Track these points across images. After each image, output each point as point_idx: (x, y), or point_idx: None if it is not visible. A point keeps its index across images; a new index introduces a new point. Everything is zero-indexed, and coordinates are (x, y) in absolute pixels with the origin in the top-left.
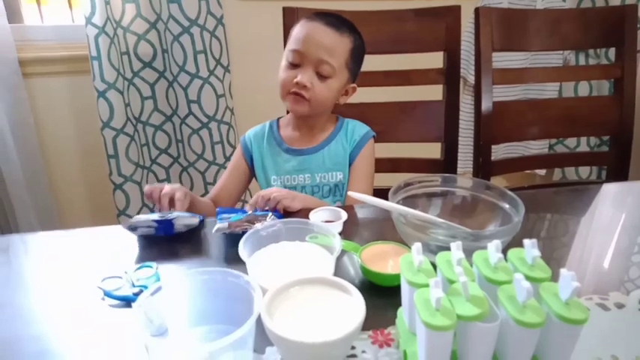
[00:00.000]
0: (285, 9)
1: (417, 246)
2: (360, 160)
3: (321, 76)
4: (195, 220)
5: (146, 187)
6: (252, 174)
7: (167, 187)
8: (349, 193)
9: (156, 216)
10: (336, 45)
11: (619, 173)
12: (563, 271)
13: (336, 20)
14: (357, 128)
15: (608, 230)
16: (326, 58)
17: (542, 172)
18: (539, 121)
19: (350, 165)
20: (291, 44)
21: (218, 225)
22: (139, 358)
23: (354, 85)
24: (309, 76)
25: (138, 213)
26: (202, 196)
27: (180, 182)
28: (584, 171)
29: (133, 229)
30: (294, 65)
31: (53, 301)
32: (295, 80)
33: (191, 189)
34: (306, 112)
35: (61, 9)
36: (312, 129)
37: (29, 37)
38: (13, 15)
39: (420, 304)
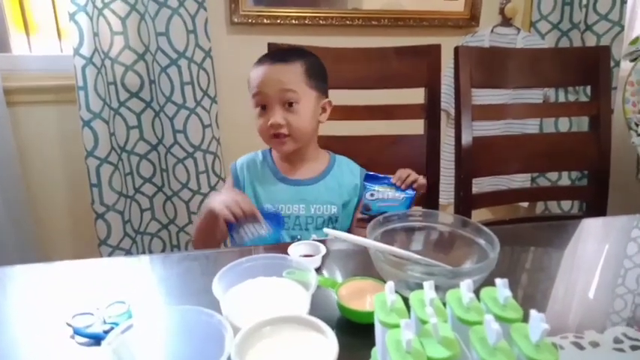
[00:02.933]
0: (270, 45)
1: (389, 285)
2: None
3: (290, 107)
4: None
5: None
6: None
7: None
8: (325, 230)
9: None
10: (289, 74)
11: (598, 207)
12: (533, 313)
13: (282, 54)
14: (352, 168)
15: (585, 266)
16: (285, 87)
17: (525, 204)
18: (518, 156)
19: (358, 203)
20: (252, 90)
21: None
22: None
23: (329, 100)
24: (279, 114)
25: (119, 243)
26: (187, 225)
27: (164, 212)
28: (566, 204)
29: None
30: (263, 110)
31: (22, 338)
32: (269, 123)
33: (174, 218)
34: (291, 149)
35: (51, 39)
36: (303, 160)
37: (16, 66)
38: (2, 45)
39: (391, 345)
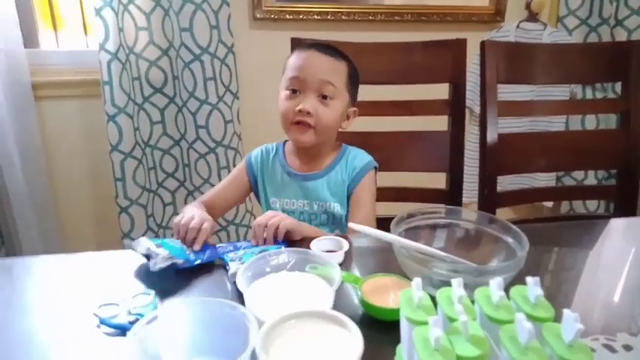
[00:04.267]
0: (293, 39)
1: (416, 281)
2: (359, 190)
3: (324, 99)
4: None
5: (175, 222)
6: (251, 190)
7: (195, 220)
8: (350, 224)
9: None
10: (334, 67)
11: (627, 207)
12: (566, 312)
13: (328, 48)
14: (357, 158)
15: (615, 266)
16: (328, 78)
17: (549, 204)
18: (544, 154)
19: (349, 196)
20: (289, 72)
21: (232, 271)
22: None
23: (355, 108)
24: (311, 102)
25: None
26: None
27: None
28: (592, 204)
29: (146, 256)
30: (294, 94)
31: (49, 327)
32: (298, 108)
33: None
34: (311, 142)
35: (77, 35)
36: (315, 156)
37: (44, 61)
38: (31, 40)
39: (419, 342)
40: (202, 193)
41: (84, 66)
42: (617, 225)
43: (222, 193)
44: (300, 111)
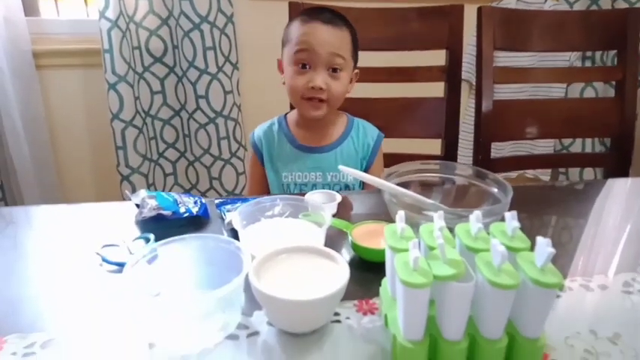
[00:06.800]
0: (291, 4)
1: (400, 214)
2: (375, 166)
3: (334, 72)
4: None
5: None
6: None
7: None
8: (341, 167)
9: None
10: (340, 39)
11: (620, 175)
12: (539, 238)
13: (331, 16)
14: (368, 130)
15: (602, 222)
16: (337, 52)
17: (546, 176)
18: (539, 121)
19: (366, 170)
20: (297, 45)
21: (228, 220)
22: (132, 319)
23: (357, 70)
24: (323, 77)
25: None
26: (208, 190)
27: (186, 176)
28: (589, 175)
29: (138, 206)
30: (303, 68)
31: (54, 266)
32: (311, 85)
33: (196, 184)
34: (323, 114)
35: (78, 4)
36: (322, 127)
37: (44, 30)
38: (31, 9)
39: (400, 266)
40: (202, 164)
41: (84, 35)
42: (609, 185)
43: (253, 193)
44: (312, 87)
